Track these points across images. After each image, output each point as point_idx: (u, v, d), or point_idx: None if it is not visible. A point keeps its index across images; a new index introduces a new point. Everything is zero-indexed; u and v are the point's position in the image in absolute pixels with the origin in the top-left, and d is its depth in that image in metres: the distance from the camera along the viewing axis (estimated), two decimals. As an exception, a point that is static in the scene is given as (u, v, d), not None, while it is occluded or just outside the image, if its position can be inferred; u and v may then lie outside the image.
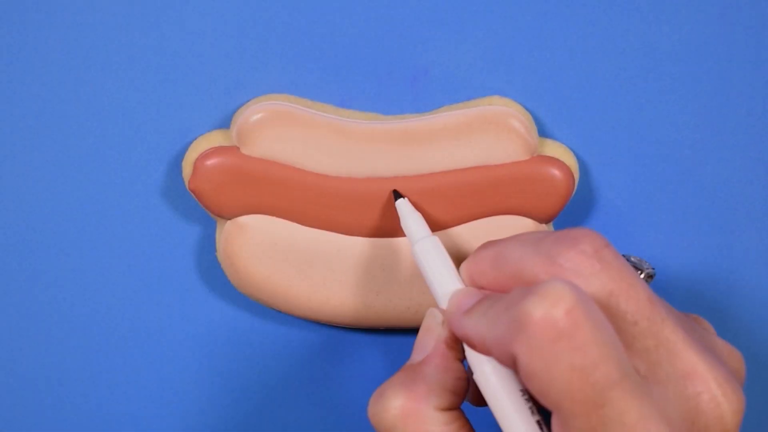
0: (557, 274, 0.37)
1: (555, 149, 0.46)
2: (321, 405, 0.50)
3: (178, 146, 0.46)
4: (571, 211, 0.47)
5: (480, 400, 0.41)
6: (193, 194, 0.45)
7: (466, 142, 0.45)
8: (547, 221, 0.46)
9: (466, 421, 0.39)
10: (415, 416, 0.39)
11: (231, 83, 0.46)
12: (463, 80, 0.46)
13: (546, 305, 0.35)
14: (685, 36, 0.46)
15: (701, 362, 0.36)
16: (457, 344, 0.40)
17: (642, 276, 0.39)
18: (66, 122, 0.46)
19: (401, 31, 0.45)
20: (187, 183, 0.45)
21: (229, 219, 0.46)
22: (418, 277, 0.46)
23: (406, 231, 0.44)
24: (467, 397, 0.41)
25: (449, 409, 0.39)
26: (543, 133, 0.46)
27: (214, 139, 0.45)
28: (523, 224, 0.46)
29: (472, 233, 0.46)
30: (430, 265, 0.42)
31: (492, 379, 0.38)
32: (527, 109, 0.46)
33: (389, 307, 0.47)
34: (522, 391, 0.38)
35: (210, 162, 0.45)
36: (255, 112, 0.44)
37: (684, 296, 0.49)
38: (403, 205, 0.44)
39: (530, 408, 0.38)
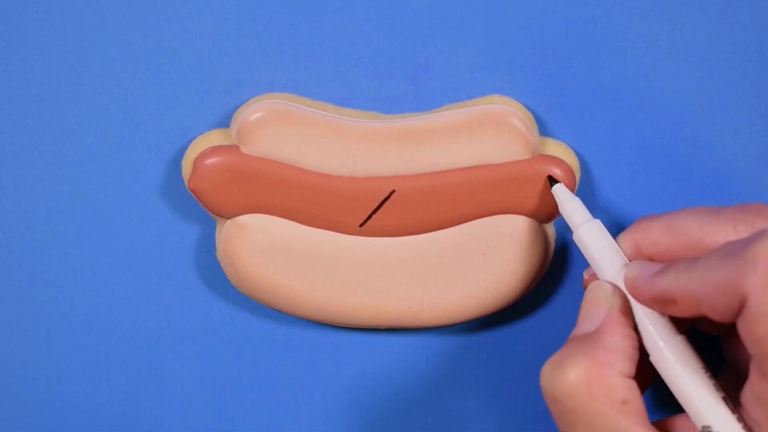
0: (749, 239, 0.37)
1: (556, 148, 0.45)
2: (321, 405, 0.50)
3: (178, 145, 0.46)
4: (572, 211, 0.47)
5: (643, 386, 0.41)
6: (192, 193, 0.45)
7: (467, 141, 0.45)
8: (548, 221, 0.46)
9: (640, 392, 0.39)
10: (599, 383, 0.38)
11: (230, 82, 0.46)
12: (464, 79, 0.46)
13: None
14: (686, 34, 0.46)
15: None
16: (630, 314, 0.40)
17: None
18: (65, 121, 0.46)
19: (401, 29, 0.45)
20: (186, 182, 0.45)
21: (229, 218, 0.46)
22: (418, 277, 0.46)
23: (565, 216, 0.44)
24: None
25: (629, 376, 0.39)
26: (544, 132, 0.46)
27: (213, 138, 0.45)
28: (524, 224, 0.46)
29: (472, 232, 0.46)
30: (596, 246, 0.42)
31: (671, 357, 0.39)
32: (528, 107, 0.46)
33: (389, 307, 0.47)
34: (704, 368, 0.39)
35: (210, 161, 0.45)
36: (255, 111, 0.44)
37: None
38: (560, 191, 0.44)
39: (714, 385, 0.38)
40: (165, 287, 0.48)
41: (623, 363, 0.39)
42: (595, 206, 0.48)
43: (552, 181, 0.45)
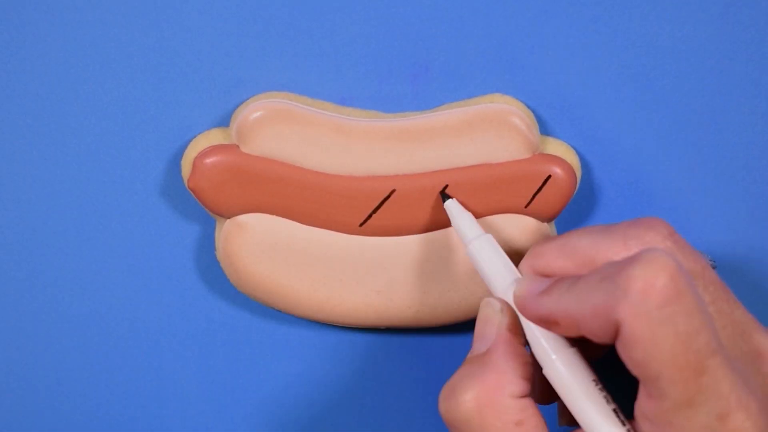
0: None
1: (557, 147, 0.45)
2: (321, 404, 0.50)
3: (177, 144, 0.46)
4: (573, 210, 0.47)
5: (547, 398, 0.41)
6: (192, 193, 0.45)
7: (467, 140, 0.45)
8: (548, 220, 0.46)
9: (537, 409, 0.39)
10: (490, 406, 0.38)
11: (230, 81, 0.46)
12: (464, 78, 0.46)
13: (652, 271, 0.35)
14: (687, 33, 0.45)
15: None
16: (519, 330, 0.40)
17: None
18: (65, 120, 0.46)
19: (402, 28, 0.45)
20: (186, 181, 0.45)
21: (229, 218, 0.46)
22: (418, 277, 0.46)
23: (457, 231, 0.44)
24: (534, 396, 0.40)
25: (522, 396, 0.39)
26: (545, 131, 0.46)
27: (213, 137, 0.45)
28: (525, 223, 0.46)
29: (473, 232, 0.46)
30: (487, 261, 0.42)
31: (563, 370, 0.38)
32: (529, 106, 0.46)
33: (390, 307, 0.47)
34: (594, 381, 0.38)
35: (209, 160, 0.45)
36: (255, 110, 0.44)
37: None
38: (452, 206, 0.44)
39: (605, 397, 0.38)
40: (164, 287, 0.48)
41: (514, 384, 0.39)
42: (595, 205, 0.48)
43: (444, 196, 0.45)
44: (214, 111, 0.46)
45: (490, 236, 0.43)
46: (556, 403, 0.43)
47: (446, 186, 0.45)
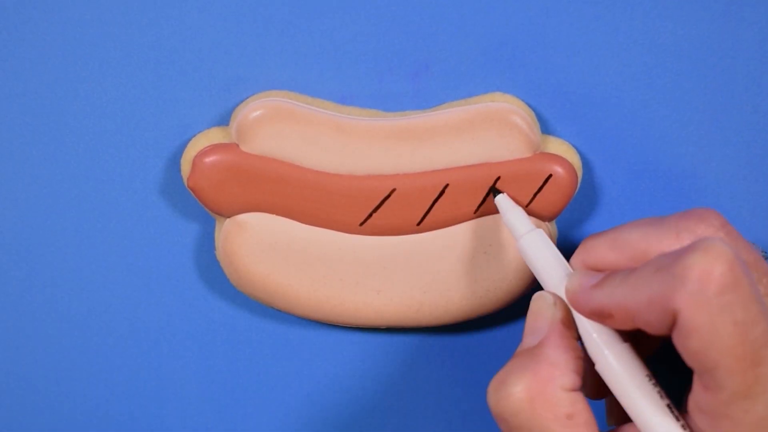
0: (690, 247, 0.36)
1: (558, 146, 0.45)
2: (320, 404, 0.50)
3: (177, 143, 0.46)
4: (574, 209, 0.47)
5: (598, 393, 0.41)
6: (192, 192, 0.45)
7: (468, 139, 0.44)
8: (549, 219, 0.46)
9: (587, 404, 0.39)
10: (541, 398, 0.38)
11: (230, 79, 0.45)
12: (465, 76, 0.46)
13: (709, 259, 0.35)
14: (688, 32, 0.45)
15: None
16: (572, 324, 0.40)
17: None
18: (64, 119, 0.46)
19: (402, 26, 0.45)
20: (185, 180, 0.45)
21: (228, 217, 0.46)
22: (419, 276, 0.46)
23: (508, 226, 0.44)
24: (584, 391, 0.40)
25: (573, 389, 0.39)
26: (546, 130, 0.46)
27: (213, 136, 0.45)
28: (526, 222, 0.46)
29: (473, 231, 0.46)
30: (539, 256, 0.42)
31: (616, 365, 0.38)
32: (530, 105, 0.46)
33: (390, 306, 0.47)
34: (648, 376, 0.38)
35: (209, 159, 0.45)
36: (254, 109, 0.44)
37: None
38: (503, 201, 0.44)
39: (659, 392, 0.38)
40: (164, 286, 0.48)
41: (566, 377, 0.39)
42: (597, 205, 0.48)
43: (495, 191, 0.44)
44: (213, 110, 0.46)
45: (541, 231, 0.43)
46: (604, 402, 0.43)
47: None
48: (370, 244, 0.46)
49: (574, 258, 0.41)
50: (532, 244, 0.42)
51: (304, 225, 0.46)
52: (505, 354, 0.50)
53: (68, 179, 0.47)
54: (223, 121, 0.46)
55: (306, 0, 0.45)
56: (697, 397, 0.36)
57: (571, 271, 0.41)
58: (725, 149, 0.47)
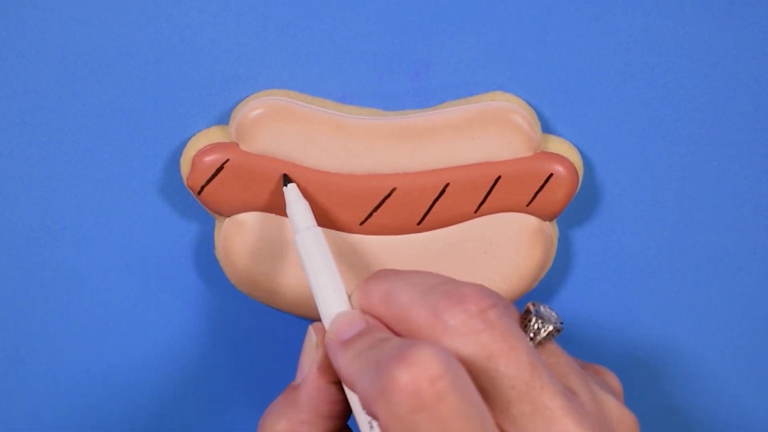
0: (439, 329, 0.36)
1: (559, 146, 0.45)
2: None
3: (176, 142, 0.46)
4: (575, 209, 0.47)
5: None
6: (191, 191, 0.45)
7: (469, 138, 0.44)
8: (550, 219, 0.46)
9: None
10: None
11: (230, 78, 0.45)
12: (466, 75, 0.46)
13: (411, 373, 0.34)
14: (690, 31, 0.45)
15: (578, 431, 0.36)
16: (331, 368, 0.39)
17: (549, 330, 0.38)
18: (63, 119, 0.46)
19: (403, 25, 0.45)
20: (185, 180, 0.45)
21: (228, 216, 0.46)
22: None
23: (289, 218, 0.43)
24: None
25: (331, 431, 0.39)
26: (547, 129, 0.46)
27: (212, 135, 0.45)
28: (527, 222, 0.46)
29: (474, 231, 0.46)
30: (315, 275, 0.41)
31: (359, 409, 0.38)
32: (531, 104, 0.46)
33: (390, 306, 0.46)
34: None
35: (208, 158, 0.44)
36: (254, 108, 0.44)
37: (687, 292, 0.49)
38: (290, 192, 0.43)
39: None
40: (163, 285, 0.48)
41: (316, 425, 0.39)
42: (598, 204, 0.47)
43: (286, 180, 0.44)
44: (213, 109, 0.46)
45: (319, 231, 0.42)
46: None
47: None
48: (370, 244, 0.46)
49: (355, 293, 0.40)
50: (307, 245, 0.41)
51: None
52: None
53: (67, 178, 0.47)
54: (223, 120, 0.46)
55: (306, -2, 0.45)
56: None
57: (341, 287, 0.40)
58: (726, 148, 0.47)
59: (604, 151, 0.47)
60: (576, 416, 0.36)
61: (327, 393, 0.39)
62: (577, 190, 0.45)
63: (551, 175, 0.45)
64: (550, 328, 0.38)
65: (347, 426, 0.40)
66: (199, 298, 0.49)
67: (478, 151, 0.45)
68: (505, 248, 0.46)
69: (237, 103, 0.46)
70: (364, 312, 0.39)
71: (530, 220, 0.46)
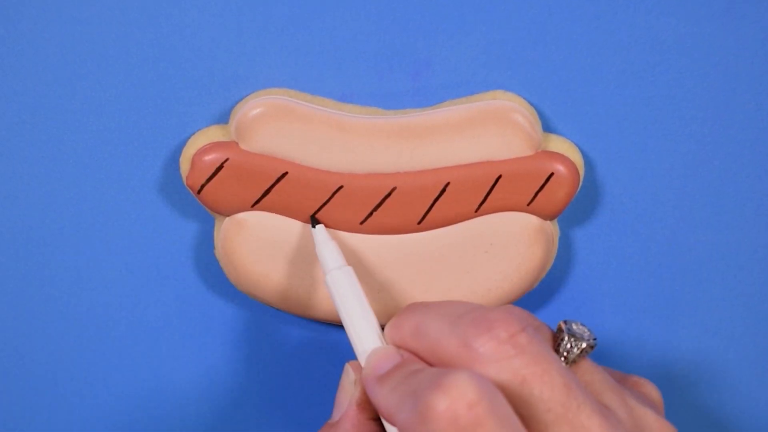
0: (471, 358, 0.36)
1: (560, 145, 0.45)
2: (320, 403, 0.50)
3: (176, 142, 0.46)
4: (576, 208, 0.47)
5: None
6: (191, 190, 0.45)
7: (469, 138, 0.44)
8: (551, 218, 0.46)
9: None
10: None
11: (229, 77, 0.45)
12: (466, 74, 0.45)
13: (449, 399, 0.34)
14: (690, 30, 0.45)
15: None
16: (369, 404, 0.40)
17: (582, 347, 0.38)
18: (63, 118, 0.46)
19: (403, 24, 0.45)
20: (184, 179, 0.45)
21: (228, 216, 0.46)
22: (420, 275, 0.46)
23: (319, 259, 0.44)
24: None
25: None
26: (547, 128, 0.46)
27: (212, 134, 0.45)
28: (528, 221, 0.45)
29: (474, 230, 0.46)
30: (349, 314, 0.41)
31: None
32: (531, 103, 0.46)
33: (390, 306, 0.46)
34: None
35: (208, 158, 0.44)
36: (254, 107, 0.44)
37: (688, 291, 0.49)
38: (319, 233, 0.44)
39: None
40: (163, 285, 0.48)
41: None
42: (599, 204, 0.47)
43: (314, 221, 0.45)
44: (213, 108, 0.46)
45: (350, 270, 0.42)
46: None
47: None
48: (370, 243, 0.46)
49: (387, 328, 0.40)
50: (339, 285, 0.42)
51: (304, 224, 0.46)
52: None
53: (67, 177, 0.47)
54: (223, 119, 0.46)
55: (306, -3, 0.45)
56: None
57: (375, 323, 0.41)
58: (727, 147, 0.47)
59: (605, 150, 0.47)
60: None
61: (367, 429, 0.40)
62: (578, 190, 0.45)
63: (552, 174, 0.45)
64: (584, 345, 0.38)
65: None
66: (199, 298, 0.49)
67: (478, 151, 0.45)
68: (505, 248, 0.46)
69: (237, 102, 0.46)
70: (398, 346, 0.40)
71: (531, 220, 0.46)
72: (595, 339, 0.38)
